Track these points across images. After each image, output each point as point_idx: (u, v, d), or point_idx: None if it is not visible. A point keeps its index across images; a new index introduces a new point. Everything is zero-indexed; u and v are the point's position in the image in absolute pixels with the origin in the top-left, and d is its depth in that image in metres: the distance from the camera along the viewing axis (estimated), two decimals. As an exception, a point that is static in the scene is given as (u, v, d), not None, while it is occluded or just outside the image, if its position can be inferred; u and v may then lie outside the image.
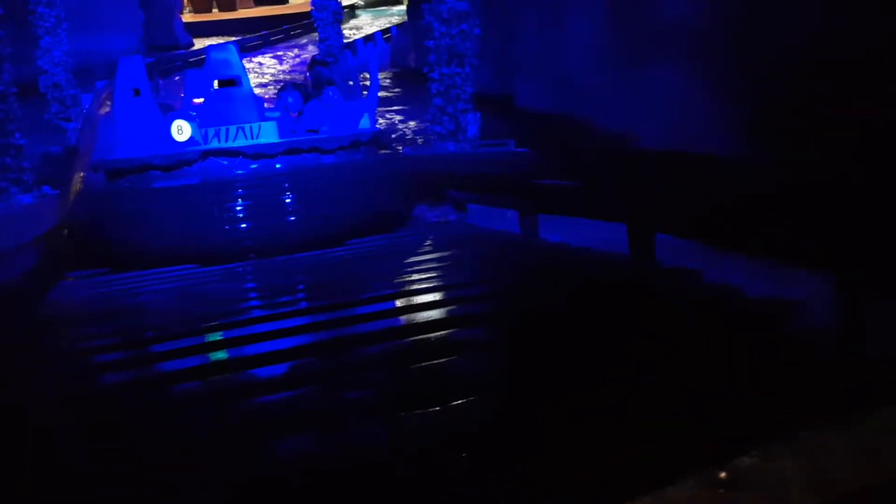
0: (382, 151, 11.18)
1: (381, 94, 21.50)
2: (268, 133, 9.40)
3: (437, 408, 3.62)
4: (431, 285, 6.17)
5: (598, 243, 6.77)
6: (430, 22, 10.32)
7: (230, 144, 9.24)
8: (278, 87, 23.09)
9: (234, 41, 29.87)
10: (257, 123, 9.36)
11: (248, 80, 9.52)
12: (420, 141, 15.21)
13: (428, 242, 8.65)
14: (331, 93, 10.55)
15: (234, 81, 9.35)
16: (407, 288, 6.27)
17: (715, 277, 5.17)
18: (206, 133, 9.24)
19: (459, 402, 3.64)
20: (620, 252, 6.22)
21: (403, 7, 44.73)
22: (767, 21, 10.22)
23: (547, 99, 15.95)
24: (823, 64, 7.08)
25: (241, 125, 9.30)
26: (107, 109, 16.29)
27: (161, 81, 10.90)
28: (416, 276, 6.62)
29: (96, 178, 10.23)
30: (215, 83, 9.35)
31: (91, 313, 6.55)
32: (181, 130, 9.28)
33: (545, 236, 7.70)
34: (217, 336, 5.40)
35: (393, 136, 15.76)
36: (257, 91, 23.42)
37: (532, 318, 4.76)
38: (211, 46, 10.15)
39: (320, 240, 8.59)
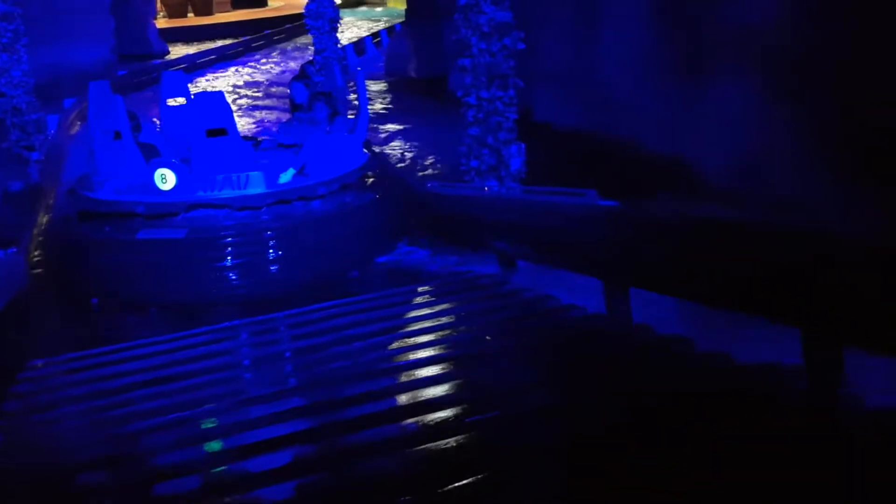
0: (372, 181, 9.95)
1: (377, 108, 19.78)
2: (255, 183, 8.79)
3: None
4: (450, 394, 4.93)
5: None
6: (465, 36, 8.54)
7: (216, 195, 8.66)
8: (265, 98, 21.33)
9: (213, 48, 28.45)
10: (245, 174, 8.75)
11: (236, 128, 8.93)
12: (432, 171, 13.39)
13: (447, 305, 7.03)
14: (315, 109, 9.97)
15: (223, 131, 8.74)
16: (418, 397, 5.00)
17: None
18: (193, 183, 8.70)
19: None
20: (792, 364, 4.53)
21: (383, 8, 42.98)
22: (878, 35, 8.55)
23: (574, 114, 14.22)
24: None
25: (229, 175, 8.70)
26: (76, 130, 14.76)
27: (142, 118, 9.70)
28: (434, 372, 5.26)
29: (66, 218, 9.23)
30: (204, 132, 8.76)
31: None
32: (165, 179, 8.64)
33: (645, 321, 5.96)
34: (211, 423, 5.02)
35: (400, 164, 13.98)
36: (243, 102, 22.24)
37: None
38: (199, 95, 9.40)
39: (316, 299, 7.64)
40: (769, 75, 10.28)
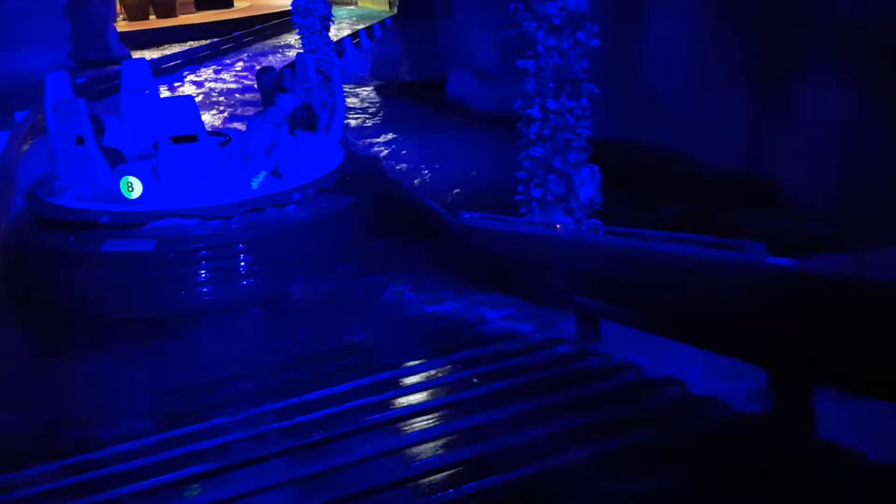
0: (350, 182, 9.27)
1: (366, 117, 17.88)
2: (227, 190, 8.34)
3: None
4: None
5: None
6: (529, 31, 6.68)
7: (185, 204, 8.18)
8: (237, 105, 19.35)
9: (178, 52, 26.39)
10: (215, 180, 8.29)
11: (205, 132, 8.45)
12: (449, 195, 11.45)
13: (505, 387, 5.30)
14: (288, 103, 9.17)
15: (193, 137, 8.24)
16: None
17: None
18: (160, 191, 8.23)
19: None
20: None
21: (354, 7, 40.82)
22: None
23: (607, 122, 12.43)
24: None
25: (199, 183, 8.24)
26: (27, 148, 12.97)
27: (106, 118, 9.11)
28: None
29: (27, 230, 8.62)
30: (170, 139, 8.25)
31: None
32: (132, 187, 8.17)
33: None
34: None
35: (416, 181, 12.08)
36: (214, 108, 20.27)
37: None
38: (168, 100, 9.84)
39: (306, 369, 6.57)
40: (868, 78, 8.60)
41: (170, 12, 34.24)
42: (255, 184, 8.50)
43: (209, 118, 17.64)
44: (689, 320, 5.19)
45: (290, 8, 13.75)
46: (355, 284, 8.44)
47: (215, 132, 9.54)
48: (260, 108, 10.05)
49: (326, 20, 13.48)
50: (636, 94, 11.64)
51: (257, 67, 13.00)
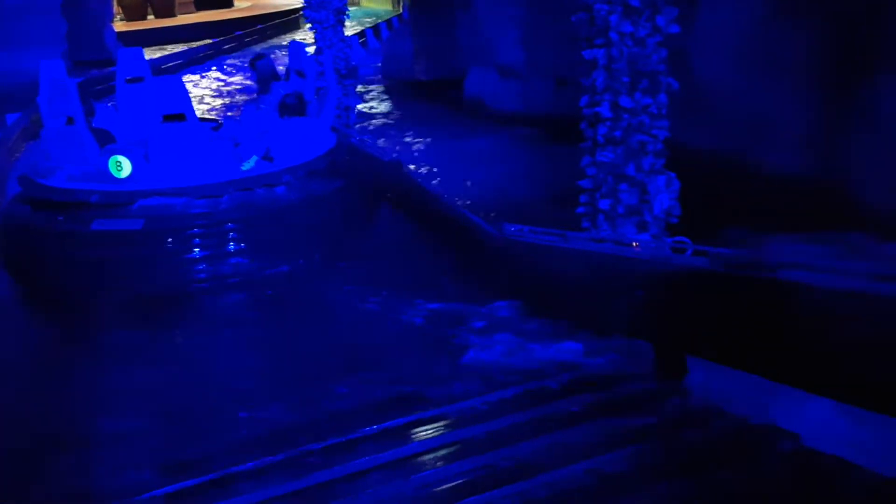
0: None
1: (377, 119, 16.89)
2: (214, 169, 8.40)
3: None
4: None
5: None
6: (600, 15, 5.70)
7: (174, 183, 8.23)
8: (236, 104, 18.51)
9: (178, 52, 25.46)
10: (204, 159, 8.40)
11: (194, 113, 8.59)
12: (477, 203, 10.37)
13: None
14: (280, 89, 9.31)
15: (181, 116, 8.39)
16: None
17: None
18: (149, 170, 8.31)
19: None
20: None
21: (357, 7, 39.72)
22: None
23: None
24: None
25: (188, 162, 8.33)
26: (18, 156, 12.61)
27: (97, 104, 9.36)
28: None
29: (20, 211, 8.62)
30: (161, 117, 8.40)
31: None
32: (121, 167, 8.23)
33: None
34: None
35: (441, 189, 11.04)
36: (216, 108, 19.36)
37: None
38: (156, 79, 9.41)
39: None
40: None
41: (169, 12, 33.26)
42: (245, 167, 8.53)
43: (210, 114, 16.73)
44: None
45: (303, 2, 12.76)
46: (380, 302, 7.55)
47: (207, 119, 9.71)
48: (254, 96, 10.14)
49: (341, 14, 12.52)
50: (683, 88, 10.65)
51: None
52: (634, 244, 5.71)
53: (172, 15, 33.39)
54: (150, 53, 26.44)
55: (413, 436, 4.96)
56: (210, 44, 26.15)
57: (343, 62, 12.47)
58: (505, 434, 4.84)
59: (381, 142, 13.56)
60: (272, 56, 11.33)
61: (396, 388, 5.62)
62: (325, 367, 6.12)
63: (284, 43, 28.80)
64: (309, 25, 12.87)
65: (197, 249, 8.03)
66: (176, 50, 26.08)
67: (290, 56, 10.00)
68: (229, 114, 15.17)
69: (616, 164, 5.93)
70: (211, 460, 4.82)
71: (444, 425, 5.10)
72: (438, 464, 4.58)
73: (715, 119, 10.20)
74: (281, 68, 10.67)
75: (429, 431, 4.99)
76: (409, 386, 5.68)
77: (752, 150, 9.70)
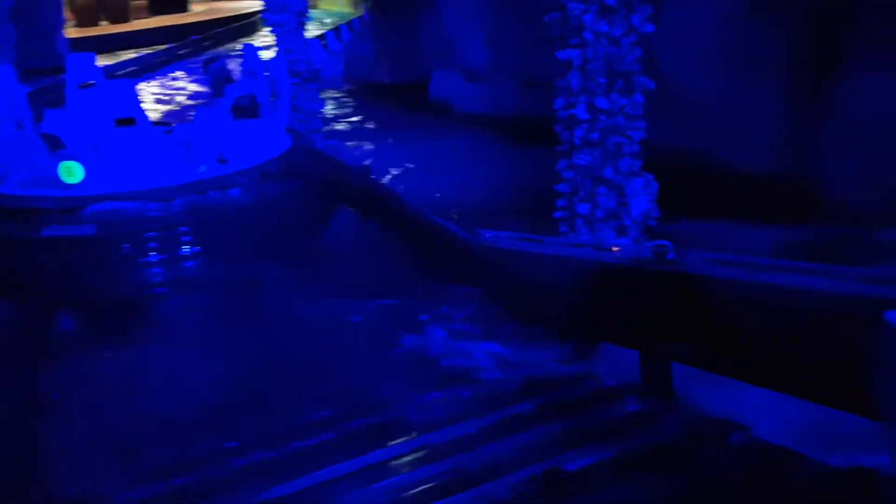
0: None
1: (341, 123, 16.61)
2: (167, 172, 8.39)
3: None
4: None
5: None
6: (574, 14, 5.54)
7: (126, 187, 8.20)
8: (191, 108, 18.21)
9: (133, 59, 24.94)
10: (157, 162, 8.44)
11: (146, 116, 8.79)
12: (454, 209, 10.19)
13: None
14: (233, 92, 9.17)
15: (132, 121, 8.57)
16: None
17: None
18: (100, 175, 8.26)
19: None
20: None
21: (316, 9, 39.21)
22: None
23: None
24: None
25: (139, 165, 8.35)
26: None
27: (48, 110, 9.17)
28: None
29: None
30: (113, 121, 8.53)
31: None
32: (71, 172, 8.17)
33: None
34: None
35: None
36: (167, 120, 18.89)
37: None
38: (107, 83, 9.39)
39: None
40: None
41: (122, 17, 32.54)
42: (200, 170, 8.51)
43: (165, 119, 16.40)
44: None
45: (263, 5, 12.48)
46: (359, 309, 7.40)
47: (159, 123, 9.68)
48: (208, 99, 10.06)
49: (302, 16, 12.24)
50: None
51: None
52: (615, 249, 5.56)
53: (126, 20, 32.69)
54: (104, 60, 25.86)
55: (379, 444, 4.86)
56: (165, 49, 25.65)
57: (305, 65, 12.19)
58: (468, 438, 4.81)
59: (347, 145, 13.32)
60: (226, 59, 11.12)
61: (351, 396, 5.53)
62: (286, 379, 5.98)
63: (240, 48, 28.43)
64: (269, 28, 12.57)
65: (145, 255, 8.02)
66: (130, 56, 25.55)
67: (244, 58, 9.89)
68: (187, 116, 14.97)
69: (594, 166, 5.77)
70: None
71: (407, 432, 5.03)
72: (404, 470, 4.57)
73: (678, 115, 10.12)
74: (233, 65, 10.60)
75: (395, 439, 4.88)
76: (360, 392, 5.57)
77: (720, 148, 9.65)
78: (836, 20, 8.16)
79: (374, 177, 9.97)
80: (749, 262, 4.50)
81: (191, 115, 13.83)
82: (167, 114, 18.48)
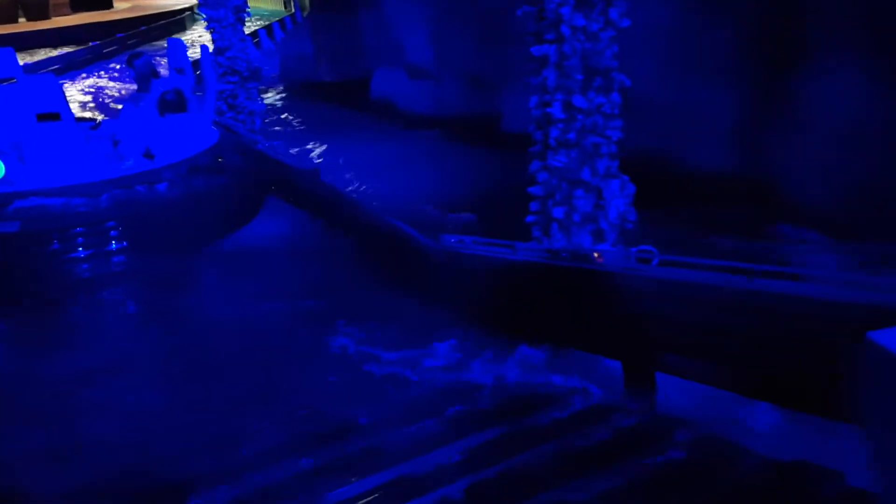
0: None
1: (279, 124, 16.03)
2: (93, 167, 8.30)
3: None
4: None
5: None
6: (550, 8, 5.23)
7: (51, 183, 8.05)
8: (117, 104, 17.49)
9: (55, 57, 23.81)
10: (83, 158, 8.30)
11: (70, 111, 8.47)
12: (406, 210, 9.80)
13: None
14: (159, 87, 9.04)
15: (56, 116, 8.31)
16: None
17: None
18: (25, 171, 8.12)
19: None
20: None
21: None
22: None
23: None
24: None
25: (64, 161, 8.21)
26: None
27: None
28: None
29: None
30: (35, 116, 8.31)
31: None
32: None
33: None
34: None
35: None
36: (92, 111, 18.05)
37: None
38: (29, 77, 9.11)
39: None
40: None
41: (42, 14, 31.23)
42: (126, 165, 8.44)
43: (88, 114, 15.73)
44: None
45: (200, 1, 11.89)
46: (300, 328, 7.13)
47: (84, 118, 9.52)
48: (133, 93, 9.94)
49: (241, 12, 11.71)
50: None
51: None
52: (596, 255, 5.27)
53: (46, 17, 31.37)
54: (22, 58, 24.62)
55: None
56: (89, 47, 24.59)
57: (244, 63, 11.66)
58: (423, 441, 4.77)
59: (292, 151, 12.82)
60: (152, 55, 10.74)
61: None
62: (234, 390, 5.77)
63: (161, 45, 27.45)
64: (206, 24, 11.98)
65: (71, 250, 7.97)
66: (52, 55, 24.43)
67: (170, 53, 9.74)
68: (113, 110, 14.36)
69: (570, 168, 5.46)
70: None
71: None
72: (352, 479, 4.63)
73: (631, 115, 9.96)
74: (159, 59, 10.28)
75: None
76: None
77: (677, 148, 9.50)
78: (783, 21, 8.07)
79: (322, 179, 9.53)
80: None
81: (117, 111, 13.26)
82: (93, 110, 17.64)
